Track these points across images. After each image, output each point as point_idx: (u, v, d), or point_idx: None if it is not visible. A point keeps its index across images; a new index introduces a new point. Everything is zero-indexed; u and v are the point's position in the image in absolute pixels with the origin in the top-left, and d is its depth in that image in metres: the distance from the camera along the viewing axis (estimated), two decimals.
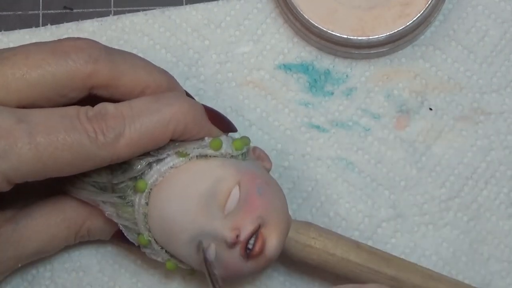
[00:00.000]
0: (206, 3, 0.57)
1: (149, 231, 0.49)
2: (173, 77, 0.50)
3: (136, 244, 0.50)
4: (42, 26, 0.57)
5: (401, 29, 0.54)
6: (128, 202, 0.48)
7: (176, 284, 0.54)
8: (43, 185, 0.47)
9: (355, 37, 0.54)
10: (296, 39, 0.56)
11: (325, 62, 0.56)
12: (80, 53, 0.46)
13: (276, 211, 0.48)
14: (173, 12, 0.56)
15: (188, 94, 0.51)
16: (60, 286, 0.54)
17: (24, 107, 0.46)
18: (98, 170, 0.48)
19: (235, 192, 0.47)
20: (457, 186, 0.55)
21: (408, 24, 0.54)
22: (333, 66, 0.56)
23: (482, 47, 0.56)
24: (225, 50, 0.56)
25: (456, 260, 0.54)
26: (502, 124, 0.55)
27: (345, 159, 0.55)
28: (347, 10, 0.55)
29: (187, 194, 0.47)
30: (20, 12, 0.57)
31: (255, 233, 0.47)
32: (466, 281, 0.53)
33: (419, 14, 0.54)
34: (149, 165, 0.48)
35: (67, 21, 0.56)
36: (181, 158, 0.48)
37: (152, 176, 0.48)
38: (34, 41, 0.56)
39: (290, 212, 0.54)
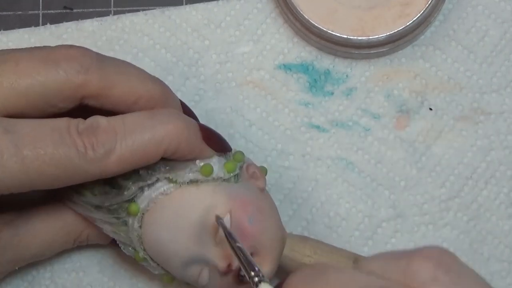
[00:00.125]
0: (206, 3, 0.57)
1: (144, 250, 0.49)
2: (167, 86, 0.49)
3: (133, 257, 0.50)
4: (42, 26, 0.56)
5: (401, 29, 0.54)
6: (123, 222, 0.48)
7: (175, 284, 0.53)
8: (42, 190, 0.47)
9: (355, 37, 0.54)
10: (296, 39, 0.56)
11: (325, 62, 0.56)
12: (71, 63, 0.45)
13: (268, 238, 0.48)
14: (173, 12, 0.56)
15: (183, 104, 0.50)
16: (60, 287, 0.54)
17: (12, 116, 0.45)
18: (91, 190, 0.48)
19: (227, 219, 0.47)
20: (457, 186, 0.55)
21: (408, 24, 0.54)
22: (333, 66, 0.56)
23: (482, 47, 0.56)
24: (225, 50, 0.56)
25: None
26: (502, 124, 0.55)
27: (345, 159, 0.55)
28: (347, 10, 0.55)
29: (178, 224, 0.47)
30: (20, 12, 0.57)
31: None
32: None
33: (419, 14, 0.54)
34: (141, 188, 0.47)
35: (67, 21, 0.56)
36: (171, 184, 0.47)
37: (143, 201, 0.47)
38: (33, 40, 0.56)
39: (290, 212, 0.54)
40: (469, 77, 0.56)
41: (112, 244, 0.51)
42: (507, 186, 0.55)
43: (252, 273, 0.42)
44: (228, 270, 0.46)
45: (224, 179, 0.48)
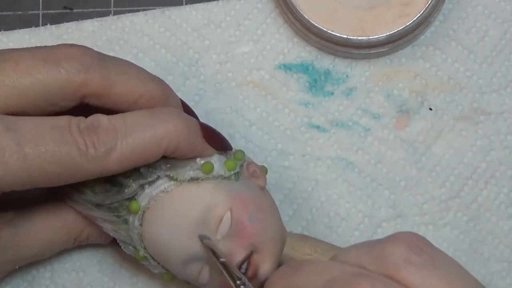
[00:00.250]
0: (206, 3, 0.57)
1: (145, 248, 0.49)
2: (168, 86, 0.49)
3: (133, 256, 0.50)
4: (42, 26, 0.56)
5: (401, 29, 0.54)
6: (123, 220, 0.48)
7: (175, 284, 0.53)
8: (43, 188, 0.47)
9: (355, 37, 0.54)
10: (296, 39, 0.56)
11: (325, 62, 0.56)
12: (72, 62, 0.45)
13: (268, 236, 0.47)
14: (173, 12, 0.56)
15: (183, 103, 0.50)
16: (60, 286, 0.54)
17: (13, 114, 0.45)
18: (92, 188, 0.48)
19: (227, 217, 0.47)
20: (457, 186, 0.55)
21: (408, 24, 0.54)
22: (333, 66, 0.56)
23: (482, 47, 0.56)
24: (225, 50, 0.56)
25: (456, 260, 0.54)
26: (502, 124, 0.55)
27: (345, 159, 0.55)
28: (347, 10, 0.55)
29: (178, 222, 0.47)
30: (20, 12, 0.57)
31: (247, 259, 0.47)
32: None
33: (419, 14, 0.54)
34: (141, 186, 0.47)
35: (67, 21, 0.56)
36: (172, 182, 0.47)
37: (144, 199, 0.47)
38: (34, 40, 0.56)
39: (290, 212, 0.54)
40: (469, 77, 0.56)
41: (112, 244, 0.51)
42: (507, 186, 0.55)
43: (238, 282, 0.43)
44: None
45: (224, 177, 0.48)
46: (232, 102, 0.56)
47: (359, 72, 0.56)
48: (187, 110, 0.51)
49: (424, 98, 0.56)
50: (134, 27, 0.56)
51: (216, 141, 0.49)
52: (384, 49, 0.55)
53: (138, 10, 0.57)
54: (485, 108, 0.56)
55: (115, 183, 0.47)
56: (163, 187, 0.47)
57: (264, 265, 0.47)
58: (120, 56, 0.53)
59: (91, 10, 0.57)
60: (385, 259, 0.37)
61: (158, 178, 0.47)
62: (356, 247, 0.39)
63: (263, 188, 0.50)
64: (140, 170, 0.47)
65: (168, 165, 0.47)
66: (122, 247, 0.50)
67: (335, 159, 0.55)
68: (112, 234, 0.49)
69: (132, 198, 0.47)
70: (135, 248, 0.49)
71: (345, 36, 0.54)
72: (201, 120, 0.53)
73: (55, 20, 0.57)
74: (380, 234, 0.54)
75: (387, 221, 0.54)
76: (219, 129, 0.51)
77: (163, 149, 0.46)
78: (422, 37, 0.56)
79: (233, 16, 0.56)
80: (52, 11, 0.57)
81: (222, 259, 0.45)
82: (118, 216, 0.48)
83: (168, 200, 0.47)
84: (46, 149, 0.43)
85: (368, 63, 0.56)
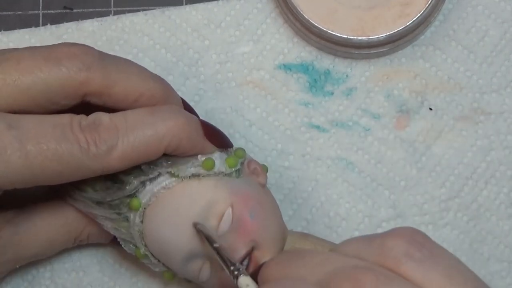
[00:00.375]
0: (206, 3, 0.57)
1: (146, 246, 0.49)
2: (168, 84, 0.49)
3: (134, 254, 0.50)
4: (42, 26, 0.56)
5: (401, 29, 0.54)
6: (124, 217, 0.48)
7: (176, 284, 0.53)
8: (44, 186, 0.47)
9: (355, 37, 0.54)
10: (296, 39, 0.56)
11: (325, 62, 0.56)
12: (73, 60, 0.45)
13: (269, 233, 0.48)
14: (173, 12, 0.56)
15: (184, 102, 0.50)
16: (60, 286, 0.54)
17: (15, 113, 0.45)
18: (93, 186, 0.48)
19: (228, 214, 0.47)
20: (457, 186, 0.55)
21: (408, 24, 0.54)
22: (333, 66, 0.56)
23: (482, 47, 0.56)
24: (225, 50, 0.56)
25: None
26: (502, 124, 0.55)
27: (345, 159, 0.55)
28: (347, 10, 0.55)
29: (180, 218, 0.47)
30: (20, 12, 0.57)
31: (248, 255, 0.47)
32: None
33: (419, 14, 0.54)
34: (143, 183, 0.48)
35: (67, 21, 0.56)
36: (173, 178, 0.47)
37: (145, 195, 0.47)
38: (34, 40, 0.56)
39: (290, 212, 0.54)
40: (469, 77, 0.56)
41: (113, 243, 0.51)
42: (507, 186, 0.55)
43: (232, 268, 0.43)
44: None
45: (225, 174, 0.48)
46: (232, 102, 0.56)
47: (359, 72, 0.56)
48: (188, 108, 0.51)
49: (424, 98, 0.56)
50: (134, 27, 0.56)
51: (217, 138, 0.49)
52: (384, 49, 0.55)
53: (138, 10, 0.57)
54: (485, 108, 0.56)
55: (116, 180, 0.47)
56: (164, 183, 0.47)
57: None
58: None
59: (91, 10, 0.57)
60: (385, 253, 0.37)
61: (159, 175, 0.47)
62: (355, 240, 0.39)
63: (264, 185, 0.50)
64: (141, 167, 0.47)
65: (169, 162, 0.47)
66: (122, 246, 0.50)
67: (335, 159, 0.55)
68: (112, 232, 0.49)
69: (133, 195, 0.47)
70: (135, 246, 0.49)
71: (345, 36, 0.54)
72: None
73: (55, 20, 0.57)
74: None
75: (387, 221, 0.54)
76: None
77: (164, 146, 0.46)
78: (422, 37, 0.56)
79: (233, 16, 0.56)
80: (52, 11, 0.57)
81: (216, 245, 0.45)
82: (119, 214, 0.48)
83: (169, 197, 0.47)
84: (47, 147, 0.44)
85: (368, 63, 0.56)
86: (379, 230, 0.54)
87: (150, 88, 0.47)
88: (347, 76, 0.56)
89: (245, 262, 0.47)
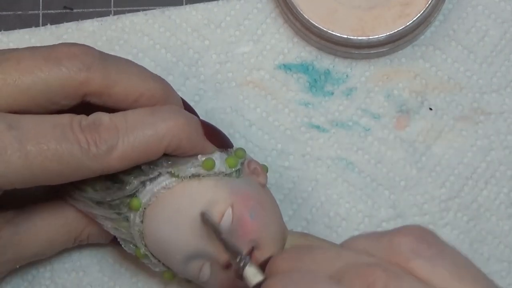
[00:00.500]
0: (206, 3, 0.57)
1: (146, 246, 0.49)
2: (169, 84, 0.49)
3: (133, 254, 0.50)
4: (42, 26, 0.56)
5: (401, 29, 0.54)
6: (124, 217, 0.48)
7: (176, 284, 0.53)
8: (44, 186, 0.47)
9: (355, 37, 0.54)
10: (296, 39, 0.56)
11: (325, 62, 0.56)
12: (73, 60, 0.45)
13: (269, 232, 0.48)
14: (173, 12, 0.56)
15: (184, 102, 0.50)
16: (60, 286, 0.54)
17: (15, 113, 0.45)
18: (93, 186, 0.48)
19: (228, 213, 0.47)
20: (457, 186, 0.55)
21: (408, 24, 0.54)
22: (333, 66, 0.56)
23: (482, 47, 0.56)
24: (225, 50, 0.56)
25: None
26: (502, 124, 0.55)
27: (345, 159, 0.55)
28: (347, 10, 0.55)
29: (179, 218, 0.47)
30: (20, 12, 0.57)
31: (248, 255, 0.47)
32: None
33: (419, 14, 0.54)
34: (143, 183, 0.48)
35: (67, 21, 0.56)
36: (173, 178, 0.48)
37: (145, 195, 0.48)
38: (34, 40, 0.56)
39: (290, 212, 0.54)
40: (469, 77, 0.56)
41: (113, 243, 0.51)
42: (507, 186, 0.55)
43: (238, 259, 0.43)
44: (229, 264, 0.46)
45: (225, 174, 0.48)
46: (232, 102, 0.56)
47: (359, 72, 0.56)
48: (188, 108, 0.51)
49: (424, 98, 0.56)
50: (134, 27, 0.56)
51: (217, 138, 0.49)
52: (384, 49, 0.55)
53: (138, 10, 0.57)
54: (485, 108, 0.56)
55: (116, 180, 0.47)
56: (164, 183, 0.47)
57: None
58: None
59: (91, 10, 0.57)
60: (394, 249, 0.38)
61: (160, 174, 0.47)
62: (363, 236, 0.39)
63: (264, 185, 0.50)
64: (141, 167, 0.47)
65: (169, 162, 0.48)
66: (122, 246, 0.50)
67: (335, 159, 0.55)
68: (112, 232, 0.49)
69: (133, 195, 0.47)
70: (135, 246, 0.49)
71: (345, 36, 0.54)
72: None
73: (55, 20, 0.57)
74: None
75: (387, 221, 0.54)
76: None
77: (164, 146, 0.46)
78: (422, 37, 0.56)
79: (233, 16, 0.56)
80: (52, 11, 0.57)
81: (223, 236, 0.45)
82: (119, 214, 0.48)
83: (169, 197, 0.47)
84: (48, 147, 0.44)
85: (368, 63, 0.56)
86: (379, 230, 0.54)
87: (150, 88, 0.47)
88: (347, 76, 0.56)
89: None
